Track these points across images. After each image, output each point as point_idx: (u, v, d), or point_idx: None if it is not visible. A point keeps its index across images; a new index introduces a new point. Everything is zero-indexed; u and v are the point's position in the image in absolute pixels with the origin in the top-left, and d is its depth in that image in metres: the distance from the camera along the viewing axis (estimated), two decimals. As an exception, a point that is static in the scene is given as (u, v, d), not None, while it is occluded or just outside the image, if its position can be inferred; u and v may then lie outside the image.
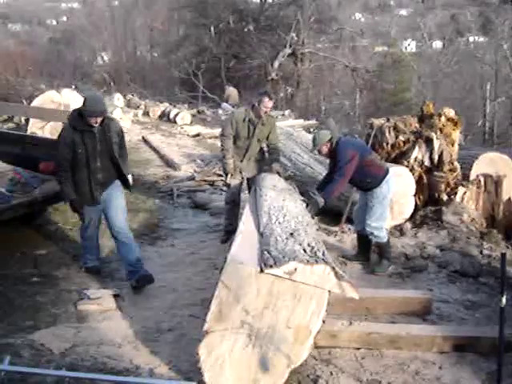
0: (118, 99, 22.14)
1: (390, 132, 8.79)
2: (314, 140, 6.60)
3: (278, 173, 7.14)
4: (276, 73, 29.42)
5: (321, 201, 6.28)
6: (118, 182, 6.28)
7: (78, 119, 5.87)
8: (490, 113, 25.85)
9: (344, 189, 6.84)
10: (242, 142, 7.34)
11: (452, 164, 8.48)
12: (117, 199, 6.22)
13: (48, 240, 7.45)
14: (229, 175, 7.34)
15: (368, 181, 6.48)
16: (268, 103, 7.11)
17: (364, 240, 6.87)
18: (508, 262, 5.57)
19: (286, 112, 22.73)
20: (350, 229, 8.04)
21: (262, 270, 3.91)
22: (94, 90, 22.48)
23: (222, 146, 7.40)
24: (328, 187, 6.41)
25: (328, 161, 6.95)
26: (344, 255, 7.04)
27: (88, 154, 5.89)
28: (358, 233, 7.05)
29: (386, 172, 6.54)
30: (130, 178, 6.46)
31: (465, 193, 8.26)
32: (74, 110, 6.03)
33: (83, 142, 5.85)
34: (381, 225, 6.56)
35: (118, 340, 4.94)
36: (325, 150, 6.51)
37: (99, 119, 5.85)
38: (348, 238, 7.72)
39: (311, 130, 19.06)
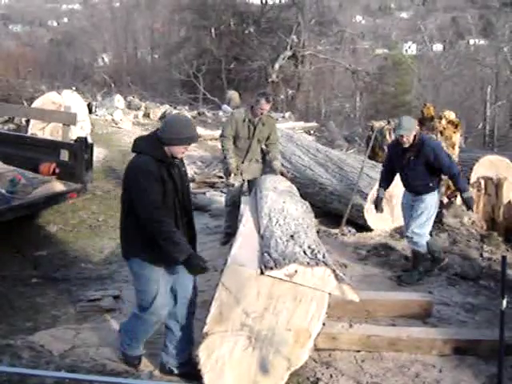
0: (118, 101, 22.12)
1: (390, 134, 8.79)
2: (404, 123, 6.23)
3: (282, 173, 7.11)
4: (276, 75, 29.46)
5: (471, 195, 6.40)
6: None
7: (159, 148, 4.15)
8: (490, 115, 25.83)
9: None
10: (242, 143, 7.33)
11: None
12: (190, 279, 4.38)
13: (48, 241, 7.45)
14: (232, 175, 7.30)
15: (430, 185, 6.32)
16: (264, 105, 7.09)
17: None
18: (508, 264, 5.58)
19: (287, 114, 22.73)
20: (350, 231, 8.04)
21: (262, 272, 3.91)
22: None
23: (222, 146, 7.39)
24: (461, 182, 6.31)
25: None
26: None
27: (177, 197, 4.25)
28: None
29: (440, 181, 6.50)
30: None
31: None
32: (149, 137, 4.29)
33: (173, 180, 4.19)
34: (423, 232, 6.37)
35: (117, 342, 4.93)
36: (410, 139, 6.21)
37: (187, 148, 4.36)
38: (348, 241, 7.71)
39: (311, 132, 19.07)
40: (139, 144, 4.22)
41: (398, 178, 6.67)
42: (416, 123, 6.40)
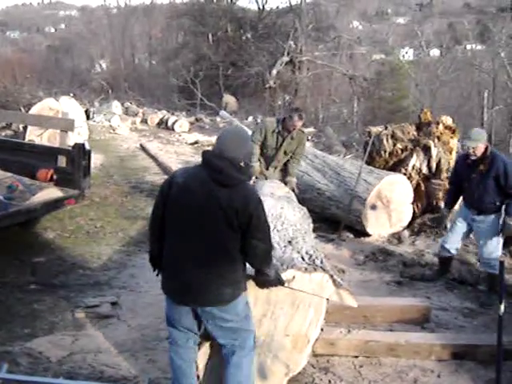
0: (116, 107, 22.20)
1: (387, 140, 8.81)
2: (471, 134, 5.98)
3: (293, 189, 7.13)
4: (274, 81, 29.48)
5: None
6: None
7: None
8: (487, 121, 25.83)
9: None
10: (268, 151, 7.43)
11: (450, 172, 8.49)
12: None
13: (46, 248, 7.43)
14: (253, 177, 7.33)
15: (496, 203, 6.00)
16: (297, 122, 7.14)
17: (447, 263, 6.62)
18: (506, 269, 5.58)
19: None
20: (348, 236, 8.05)
21: (260, 278, 3.90)
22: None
23: None
24: None
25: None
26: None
27: None
28: (444, 257, 6.63)
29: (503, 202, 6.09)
30: None
31: (463, 200, 8.26)
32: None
33: None
34: (498, 255, 5.96)
35: (115, 348, 4.92)
36: (480, 150, 5.91)
37: None
38: (346, 246, 7.72)
39: (309, 137, 19.08)
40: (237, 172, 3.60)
41: (389, 179, 6.56)
42: (486, 135, 6.13)
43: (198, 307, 3.60)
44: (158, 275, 3.86)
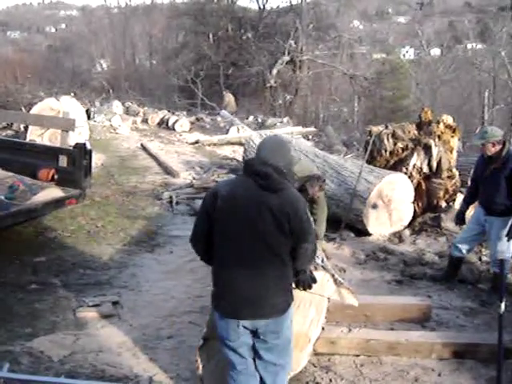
0: (116, 106, 22.19)
1: (388, 139, 8.80)
2: (484, 132, 5.96)
3: (325, 252, 6.96)
4: (274, 80, 29.48)
5: None
6: None
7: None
8: (488, 120, 25.83)
9: None
10: None
11: (450, 171, 8.50)
12: None
13: (47, 247, 7.44)
14: None
15: (507, 204, 5.87)
16: (317, 192, 6.59)
17: (457, 264, 6.53)
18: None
19: (285, 119, 22.73)
20: (348, 235, 8.05)
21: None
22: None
23: None
24: None
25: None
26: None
27: None
28: (454, 257, 6.51)
29: None
30: None
31: (463, 199, 8.26)
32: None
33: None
34: (509, 256, 5.75)
35: (117, 347, 4.94)
36: (492, 149, 5.85)
37: None
38: (347, 245, 7.72)
39: (309, 137, 19.09)
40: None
41: (390, 178, 6.51)
42: (501, 133, 5.99)
43: (257, 319, 3.49)
44: None
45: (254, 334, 3.55)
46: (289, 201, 3.47)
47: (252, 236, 3.45)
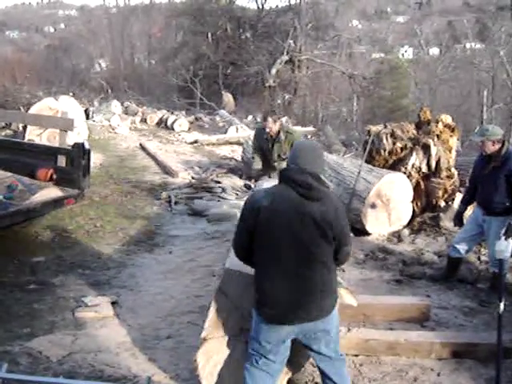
0: (115, 106, 22.18)
1: (387, 138, 8.80)
2: (484, 130, 5.92)
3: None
4: (273, 80, 29.48)
5: None
6: None
7: None
8: (487, 119, 25.84)
9: None
10: (266, 157, 7.71)
11: (449, 170, 8.49)
12: None
13: (45, 247, 7.43)
14: (252, 181, 7.77)
15: (506, 204, 5.80)
16: (270, 124, 7.44)
17: (456, 264, 6.50)
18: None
19: (284, 119, 22.76)
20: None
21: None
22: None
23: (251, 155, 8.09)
24: None
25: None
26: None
27: None
28: (453, 257, 6.47)
29: None
30: None
31: (462, 199, 8.26)
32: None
33: None
34: (507, 256, 5.51)
35: (115, 347, 4.93)
36: (491, 147, 5.79)
37: None
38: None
39: (308, 136, 19.10)
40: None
41: (389, 178, 6.49)
42: (502, 132, 5.91)
43: (304, 323, 3.52)
44: None
45: (304, 335, 3.59)
46: (331, 208, 3.49)
47: (296, 247, 3.45)
